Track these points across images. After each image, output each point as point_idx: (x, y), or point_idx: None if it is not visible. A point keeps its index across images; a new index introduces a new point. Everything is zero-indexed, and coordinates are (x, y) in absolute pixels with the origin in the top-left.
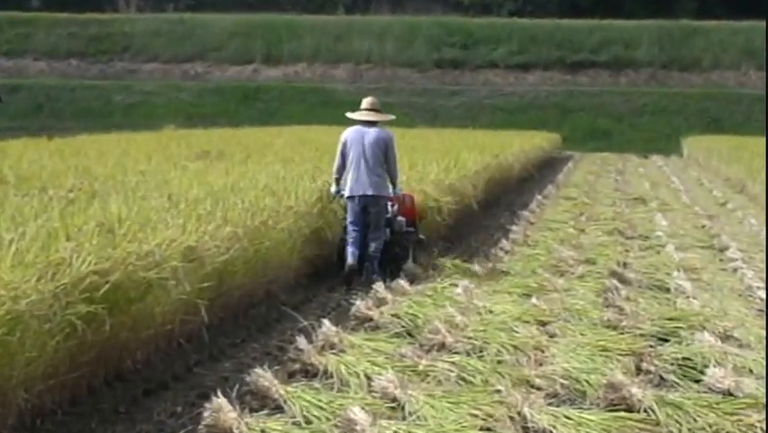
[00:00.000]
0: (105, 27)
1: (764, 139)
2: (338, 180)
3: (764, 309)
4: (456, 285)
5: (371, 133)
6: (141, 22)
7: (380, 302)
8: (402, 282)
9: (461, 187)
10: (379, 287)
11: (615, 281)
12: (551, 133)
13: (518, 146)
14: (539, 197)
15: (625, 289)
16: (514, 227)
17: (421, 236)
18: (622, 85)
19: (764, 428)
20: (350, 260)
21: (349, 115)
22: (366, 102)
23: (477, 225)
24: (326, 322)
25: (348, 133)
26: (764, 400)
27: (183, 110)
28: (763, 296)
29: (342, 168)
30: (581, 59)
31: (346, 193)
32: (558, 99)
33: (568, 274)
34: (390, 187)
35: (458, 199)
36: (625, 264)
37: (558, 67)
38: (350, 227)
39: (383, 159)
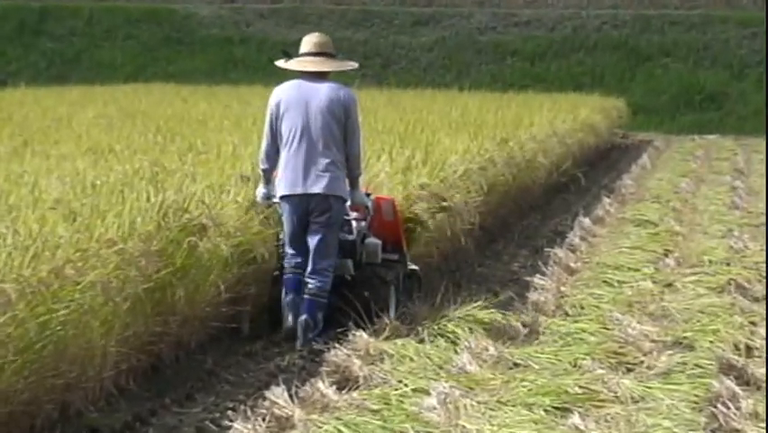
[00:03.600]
0: None
1: None
2: (268, 174)
3: None
4: (428, 392)
5: (321, 91)
6: None
7: (280, 427)
8: (323, 387)
9: (439, 201)
10: (281, 396)
11: (729, 383)
12: (608, 99)
13: (545, 124)
14: (585, 219)
15: (748, 399)
16: (538, 278)
17: (413, 267)
18: (748, 7)
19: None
20: (290, 319)
21: (281, 63)
22: (310, 41)
23: (466, 272)
24: None
25: (281, 94)
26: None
27: None
28: None
29: (273, 151)
30: None
31: (278, 191)
32: (622, 33)
33: (640, 369)
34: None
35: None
36: (748, 350)
37: None
38: (288, 255)
39: (340, 134)
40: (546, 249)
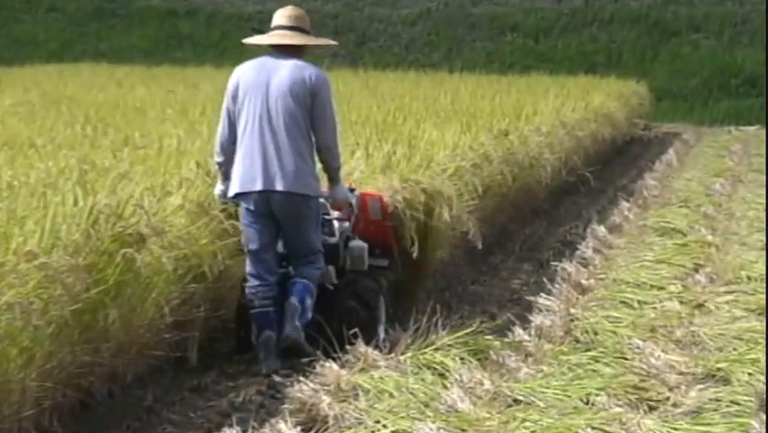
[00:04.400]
0: None
1: None
2: (225, 168)
3: None
4: None
5: (283, 71)
6: None
7: None
8: (285, 429)
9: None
10: None
11: None
12: (627, 82)
13: (551, 113)
14: (599, 228)
15: None
16: (543, 298)
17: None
18: None
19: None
20: (268, 363)
21: (248, 41)
22: (283, 14)
23: (457, 291)
24: None
25: (241, 73)
26: None
27: None
28: None
29: (230, 142)
30: None
31: (232, 188)
32: (643, 3)
33: (665, 406)
34: (325, 179)
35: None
36: None
37: None
38: (252, 280)
39: (305, 122)
40: (553, 263)
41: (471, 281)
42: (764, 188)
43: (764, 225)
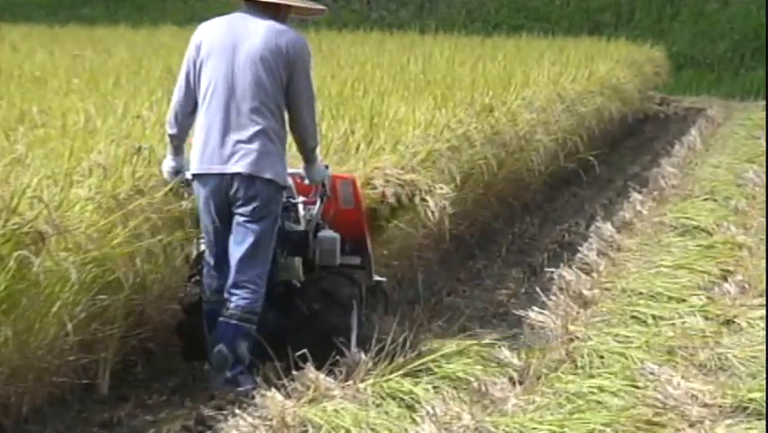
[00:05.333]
0: None
1: None
2: (177, 140)
3: None
4: None
5: (257, 33)
6: None
7: None
8: None
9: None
10: None
11: None
12: (640, 47)
13: (547, 84)
14: (605, 225)
15: None
16: (536, 312)
17: (379, 278)
18: None
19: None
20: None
21: None
22: None
23: (430, 304)
24: None
25: (205, 32)
26: None
27: None
28: None
29: (187, 111)
30: None
31: (190, 168)
32: None
33: None
34: (297, 160)
35: None
36: None
37: None
38: (207, 273)
39: (276, 94)
40: (548, 269)
41: (448, 292)
42: None
43: None
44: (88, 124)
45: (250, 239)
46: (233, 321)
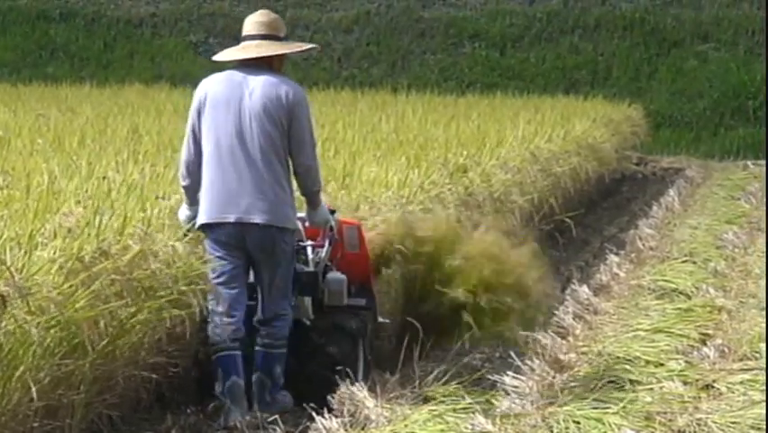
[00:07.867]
0: None
1: None
2: (191, 192)
3: None
4: None
5: (256, 88)
6: None
7: None
8: None
9: None
10: None
11: None
12: (617, 105)
13: (521, 143)
14: (582, 288)
15: None
16: (510, 378)
17: (383, 319)
18: None
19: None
20: (233, 414)
21: (217, 57)
22: (252, 21)
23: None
24: None
25: (208, 87)
26: None
27: None
28: None
29: (197, 162)
30: None
31: (199, 219)
32: (638, 6)
33: None
34: (301, 206)
35: None
36: None
37: None
38: (217, 320)
39: (283, 144)
40: (523, 332)
41: (406, 356)
42: None
43: None
44: (53, 185)
45: (276, 275)
46: (272, 350)
